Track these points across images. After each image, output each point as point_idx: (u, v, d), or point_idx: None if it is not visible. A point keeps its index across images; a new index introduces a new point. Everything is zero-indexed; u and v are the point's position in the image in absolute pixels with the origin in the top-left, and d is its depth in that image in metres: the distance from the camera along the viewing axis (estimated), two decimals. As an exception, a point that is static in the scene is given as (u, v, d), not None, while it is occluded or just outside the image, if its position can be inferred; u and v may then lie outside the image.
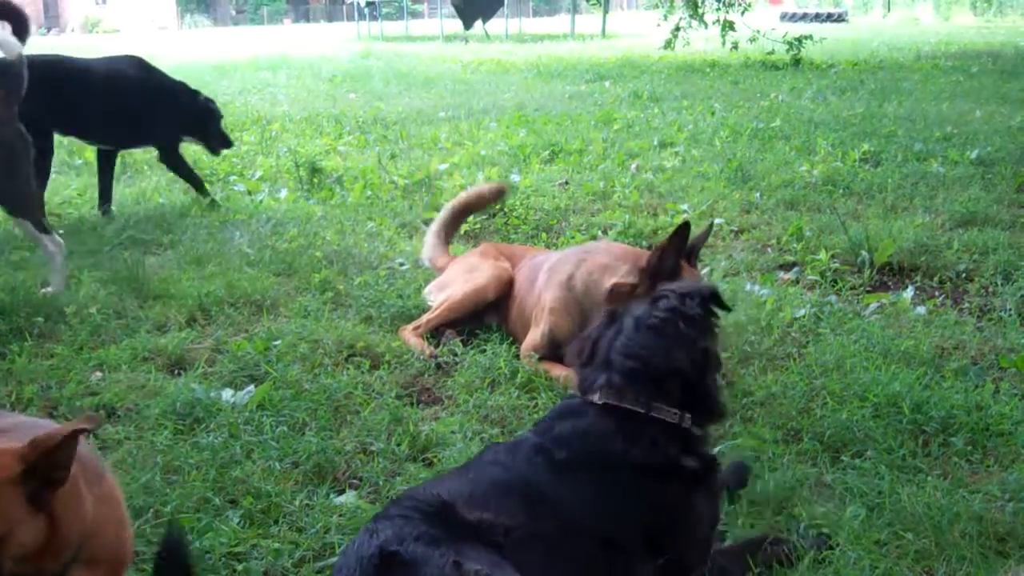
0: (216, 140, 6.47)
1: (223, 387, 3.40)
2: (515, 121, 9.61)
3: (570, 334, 3.41)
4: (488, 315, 4.07)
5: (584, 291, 3.60)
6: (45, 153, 5.57)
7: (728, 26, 17.28)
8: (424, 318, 3.99)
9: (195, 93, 6.36)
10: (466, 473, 2.20)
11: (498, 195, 4.83)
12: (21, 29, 4.49)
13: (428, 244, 4.63)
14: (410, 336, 3.88)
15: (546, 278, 3.79)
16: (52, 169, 6.23)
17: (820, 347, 3.67)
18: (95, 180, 6.25)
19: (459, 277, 4.12)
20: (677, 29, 17.84)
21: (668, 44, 17.89)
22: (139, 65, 6.19)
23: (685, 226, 3.36)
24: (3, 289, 4.34)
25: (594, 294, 3.56)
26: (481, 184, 4.77)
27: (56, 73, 5.64)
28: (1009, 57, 17.03)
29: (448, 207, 4.71)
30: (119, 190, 6.49)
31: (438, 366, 3.68)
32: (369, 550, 1.91)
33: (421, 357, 3.72)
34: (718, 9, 17.84)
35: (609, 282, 3.54)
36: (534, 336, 3.73)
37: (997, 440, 2.97)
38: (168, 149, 6.34)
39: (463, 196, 4.75)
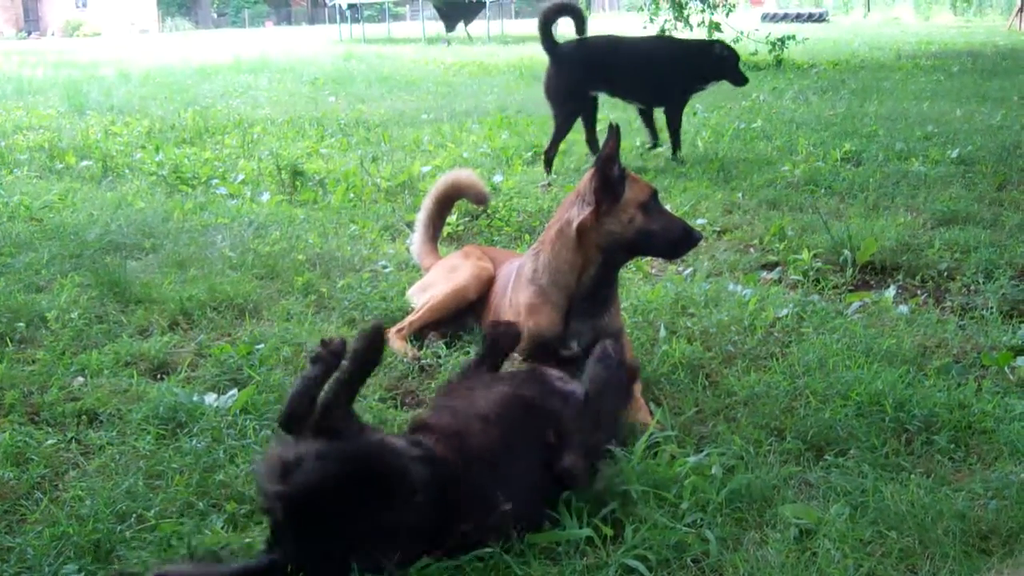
0: (736, 77, 7.79)
1: (206, 391, 3.38)
2: (497, 123, 9.61)
3: (553, 326, 3.38)
4: (470, 317, 4.02)
5: (551, 279, 3.44)
6: (590, 110, 7.56)
7: (715, 27, 17.31)
8: (407, 320, 3.96)
9: (711, 45, 7.96)
10: None
11: (474, 190, 4.60)
12: None
13: (416, 242, 4.59)
14: (394, 339, 3.86)
15: (513, 282, 3.70)
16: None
17: (803, 346, 3.68)
18: (76, 185, 6.32)
19: (440, 278, 4.09)
20: (663, 32, 17.86)
21: None
22: (668, 40, 8.37)
23: (615, 130, 3.32)
24: (-17, 294, 4.31)
25: (562, 275, 3.41)
26: (456, 171, 4.65)
27: (610, 49, 7.63)
28: (989, 56, 17.14)
29: (427, 200, 4.58)
30: (99, 195, 6.46)
31: (421, 368, 3.67)
32: None
33: (405, 360, 3.70)
34: (702, 11, 17.87)
35: (569, 247, 3.38)
36: None
37: (980, 438, 2.98)
38: (678, 105, 7.78)
39: (438, 185, 4.58)
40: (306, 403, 2.30)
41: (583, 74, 7.33)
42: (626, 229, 3.29)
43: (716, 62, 7.66)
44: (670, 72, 7.59)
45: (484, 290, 3.98)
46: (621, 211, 3.28)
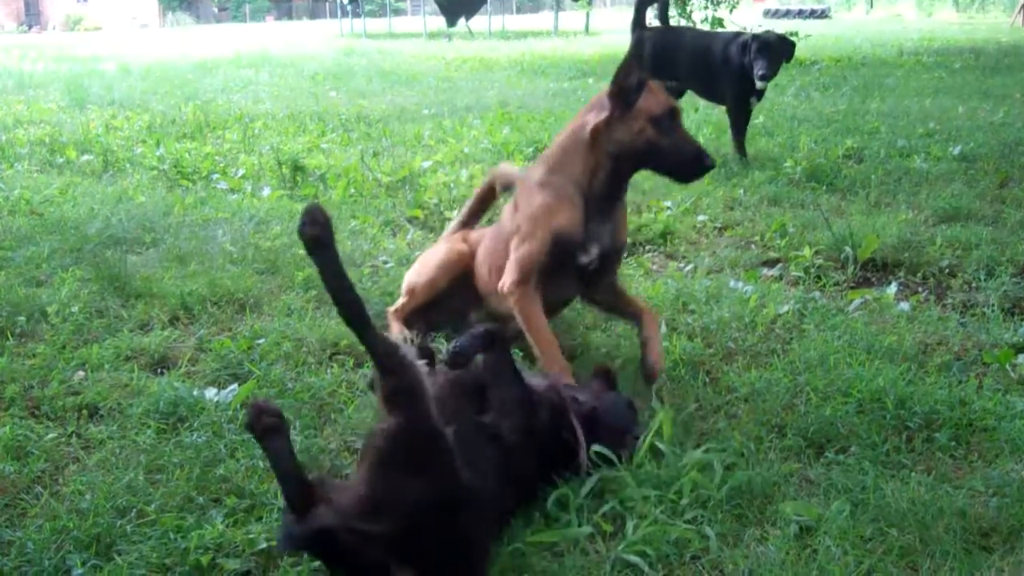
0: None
1: (206, 386, 3.39)
2: (499, 118, 9.60)
3: (575, 224, 3.35)
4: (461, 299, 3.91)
5: (566, 178, 3.38)
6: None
7: (718, 23, 17.31)
8: (400, 303, 3.97)
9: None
10: None
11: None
12: None
13: (447, 229, 4.42)
14: (393, 320, 3.88)
15: (519, 197, 3.58)
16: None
17: (804, 343, 3.67)
18: (76, 179, 6.35)
19: (418, 262, 4.08)
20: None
21: None
22: (734, 35, 7.41)
23: (640, 42, 3.29)
24: (-16, 288, 4.31)
25: (575, 176, 3.37)
26: (504, 166, 4.41)
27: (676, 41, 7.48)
28: (991, 53, 17.13)
29: (475, 194, 4.36)
30: (100, 189, 6.46)
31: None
32: None
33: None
34: (705, 7, 17.87)
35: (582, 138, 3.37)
36: (523, 259, 3.43)
37: (980, 435, 2.98)
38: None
39: (487, 180, 4.29)
40: (297, 474, 2.08)
41: (649, 64, 7.28)
42: (635, 139, 3.30)
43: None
44: (726, 68, 7.32)
45: (458, 272, 3.90)
46: (632, 120, 3.28)
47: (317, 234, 2.16)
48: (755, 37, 7.10)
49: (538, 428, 2.63)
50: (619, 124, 3.30)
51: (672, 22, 17.53)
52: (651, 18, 7.72)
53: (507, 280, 3.47)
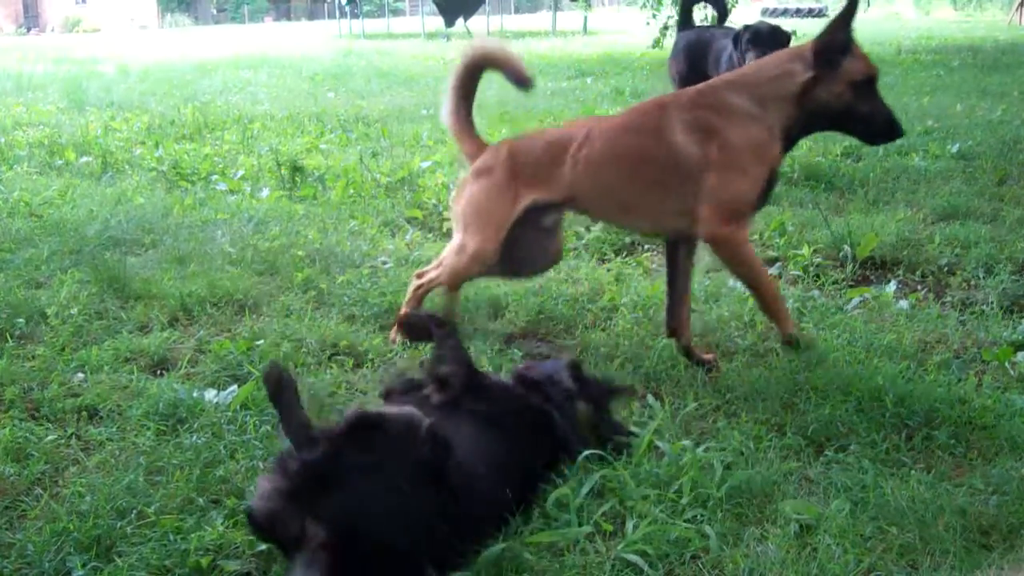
0: None
1: (206, 387, 3.38)
2: (497, 118, 9.60)
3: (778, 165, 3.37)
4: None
5: (771, 114, 3.31)
6: None
7: (716, 21, 17.29)
8: (431, 274, 3.83)
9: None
10: None
11: (509, 65, 3.83)
12: None
13: (450, 123, 3.93)
14: (412, 293, 3.87)
15: (692, 134, 3.35)
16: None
17: (800, 345, 3.67)
18: (75, 181, 6.34)
19: (465, 221, 3.73)
20: (665, 28, 17.84)
21: (657, 43, 17.90)
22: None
23: (853, 3, 3.28)
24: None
25: (779, 113, 3.31)
26: (488, 42, 3.96)
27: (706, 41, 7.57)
28: (989, 51, 17.13)
29: (453, 79, 3.89)
30: (99, 191, 6.46)
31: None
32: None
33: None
34: (705, 6, 17.83)
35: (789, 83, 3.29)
36: (739, 198, 3.33)
37: (980, 433, 2.98)
38: None
39: (466, 60, 3.86)
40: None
41: (683, 63, 7.55)
42: (834, 102, 3.29)
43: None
44: (728, 60, 7.36)
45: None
46: (834, 82, 3.27)
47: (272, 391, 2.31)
48: (747, 27, 7.10)
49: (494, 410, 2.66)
50: (821, 84, 3.28)
51: (672, 23, 17.83)
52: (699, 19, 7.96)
53: (721, 222, 3.34)
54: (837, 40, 3.25)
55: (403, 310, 3.85)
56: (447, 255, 3.76)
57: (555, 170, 3.55)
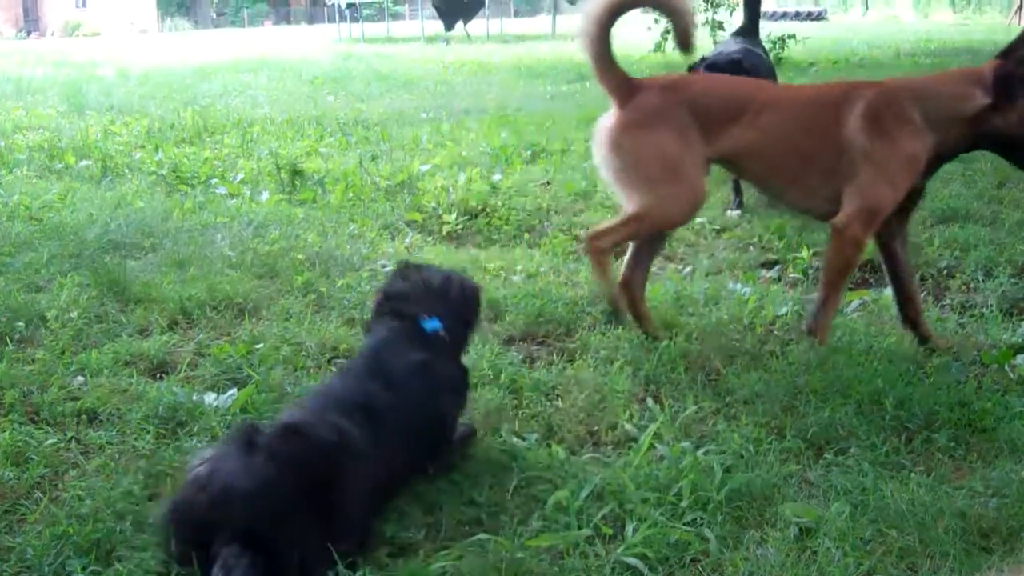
0: None
1: (205, 391, 3.38)
2: (497, 122, 9.61)
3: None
4: None
5: (931, 129, 3.39)
6: None
7: (718, 26, 17.35)
8: (608, 227, 3.69)
9: None
10: None
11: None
12: None
13: (592, 58, 3.72)
14: (599, 259, 3.69)
15: (864, 123, 3.42)
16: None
17: (802, 345, 3.67)
18: (75, 184, 6.35)
19: (653, 176, 3.60)
20: (667, 32, 17.83)
21: (658, 47, 17.93)
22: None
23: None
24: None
25: (941, 129, 3.39)
26: None
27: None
28: (988, 54, 16.98)
29: (599, 10, 3.65)
30: (99, 194, 6.46)
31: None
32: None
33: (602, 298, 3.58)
34: (706, 10, 17.89)
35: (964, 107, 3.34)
36: (880, 205, 3.46)
37: (979, 436, 2.98)
38: None
39: None
40: None
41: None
42: (1008, 130, 3.32)
43: None
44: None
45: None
46: (1011, 112, 3.29)
47: None
48: (703, 59, 6.76)
49: None
50: (997, 113, 3.31)
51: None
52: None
53: (856, 221, 3.46)
54: (1020, 72, 3.28)
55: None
56: (639, 211, 3.57)
57: (729, 127, 3.57)
